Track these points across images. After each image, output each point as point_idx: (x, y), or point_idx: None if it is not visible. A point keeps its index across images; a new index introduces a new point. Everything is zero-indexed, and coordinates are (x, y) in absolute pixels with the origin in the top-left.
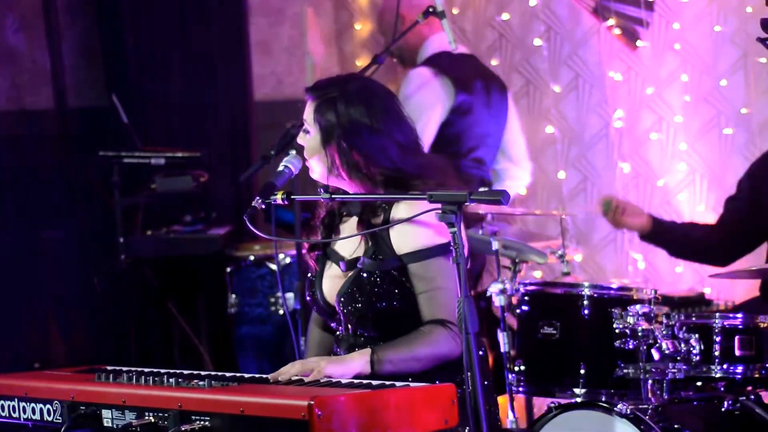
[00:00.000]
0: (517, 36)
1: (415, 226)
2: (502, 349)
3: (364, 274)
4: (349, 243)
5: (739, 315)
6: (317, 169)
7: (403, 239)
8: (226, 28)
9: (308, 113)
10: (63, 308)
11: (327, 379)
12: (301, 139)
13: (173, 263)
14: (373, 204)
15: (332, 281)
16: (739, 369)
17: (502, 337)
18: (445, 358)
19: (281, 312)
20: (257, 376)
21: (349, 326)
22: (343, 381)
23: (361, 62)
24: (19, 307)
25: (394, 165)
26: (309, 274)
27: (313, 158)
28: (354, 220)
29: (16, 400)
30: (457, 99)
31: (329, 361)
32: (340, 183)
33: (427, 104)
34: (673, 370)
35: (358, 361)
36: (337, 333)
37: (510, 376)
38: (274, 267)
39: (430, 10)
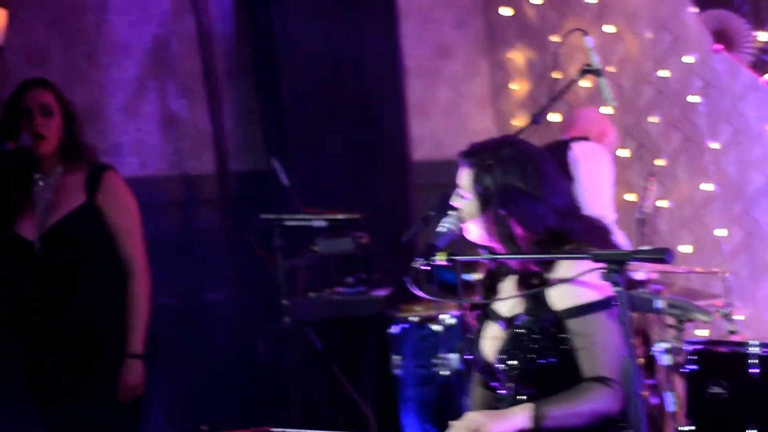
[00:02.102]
0: (675, 92)
1: (573, 283)
2: (668, 409)
3: (523, 331)
4: (509, 302)
5: None
6: (475, 233)
7: (562, 296)
8: (383, 90)
9: (464, 180)
10: (228, 371)
11: None
12: (456, 202)
13: (336, 325)
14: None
15: (492, 342)
16: None
17: (668, 397)
18: (605, 415)
19: (445, 373)
20: None
21: (509, 384)
22: None
23: (517, 122)
24: (184, 370)
25: (552, 229)
26: (469, 335)
27: (470, 222)
28: (513, 279)
29: None
30: None
31: (491, 418)
32: (497, 246)
33: None
34: None
35: (520, 417)
36: (498, 392)
37: None
38: (436, 328)
39: (587, 68)
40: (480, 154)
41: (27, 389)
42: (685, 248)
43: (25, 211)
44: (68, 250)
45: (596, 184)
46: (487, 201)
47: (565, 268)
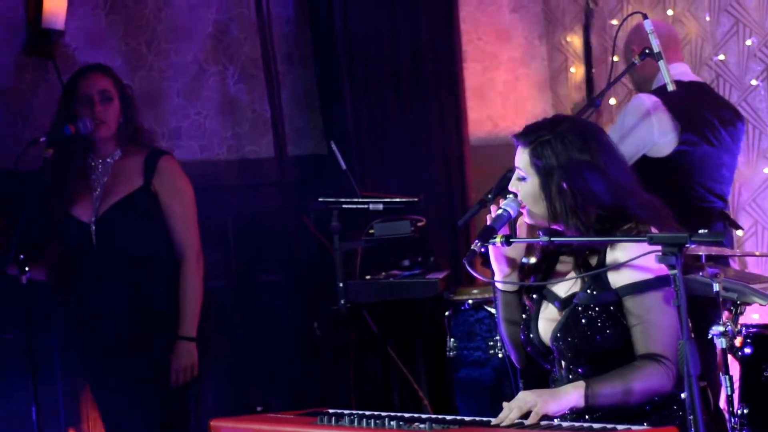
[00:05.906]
0: (735, 76)
1: (632, 262)
2: (724, 393)
3: (580, 308)
4: (566, 283)
5: None
6: (536, 214)
7: (620, 273)
8: (440, 73)
9: (522, 159)
10: (284, 352)
11: (546, 422)
12: (513, 186)
13: (392, 308)
14: (590, 245)
15: (547, 323)
16: None
17: (723, 381)
18: (658, 393)
19: (500, 355)
20: (477, 419)
21: (563, 363)
22: (564, 424)
23: (576, 106)
24: (240, 351)
25: (614, 204)
26: (524, 315)
27: (530, 204)
28: (570, 260)
29: None
30: (676, 134)
31: (545, 398)
32: (558, 225)
33: (633, 135)
34: None
35: (573, 395)
36: (552, 374)
37: (733, 419)
38: (492, 310)
39: (647, 51)
40: (537, 131)
41: (83, 373)
42: (742, 232)
43: (82, 194)
44: (124, 233)
45: None
46: (548, 176)
47: (623, 249)
